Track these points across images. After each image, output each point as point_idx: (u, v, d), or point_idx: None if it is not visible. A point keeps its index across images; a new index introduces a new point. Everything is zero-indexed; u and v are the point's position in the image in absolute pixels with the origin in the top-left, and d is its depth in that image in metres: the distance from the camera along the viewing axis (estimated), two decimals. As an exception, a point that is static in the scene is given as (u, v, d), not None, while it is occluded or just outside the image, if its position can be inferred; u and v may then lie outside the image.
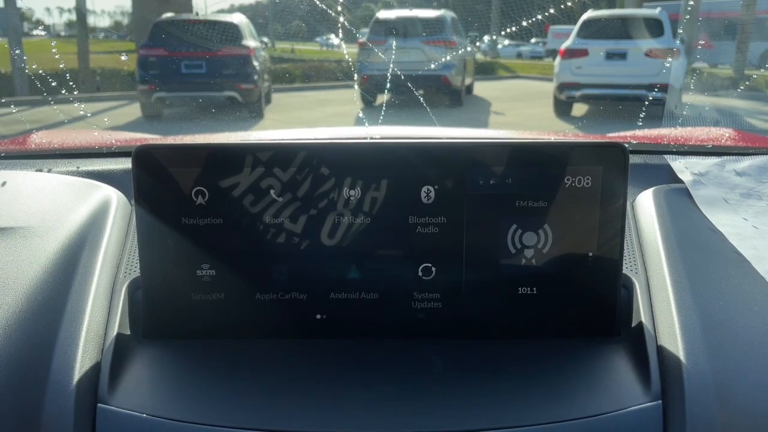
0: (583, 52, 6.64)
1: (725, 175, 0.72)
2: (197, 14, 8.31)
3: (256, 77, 6.57)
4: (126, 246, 0.58)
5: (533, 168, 0.50)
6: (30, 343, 0.46)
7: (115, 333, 0.49)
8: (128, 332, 0.50)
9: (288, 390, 0.46)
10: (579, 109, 6.91)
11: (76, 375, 0.44)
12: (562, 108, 6.79)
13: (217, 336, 0.51)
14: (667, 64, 6.22)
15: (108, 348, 0.47)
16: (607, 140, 0.51)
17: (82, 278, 0.51)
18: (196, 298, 0.51)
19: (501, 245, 0.50)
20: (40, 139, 0.97)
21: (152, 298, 0.51)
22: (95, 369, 0.45)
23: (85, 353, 0.46)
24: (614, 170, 0.49)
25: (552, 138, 0.90)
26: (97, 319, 0.49)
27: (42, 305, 0.49)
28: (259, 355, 0.49)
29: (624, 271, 0.53)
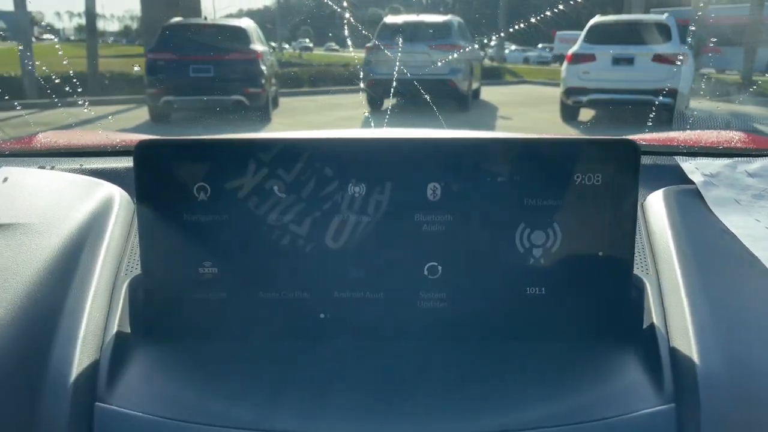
0: (591, 57, 6.63)
1: (737, 176, 0.71)
2: (206, 18, 8.36)
3: (263, 81, 6.60)
4: (128, 244, 0.58)
5: (542, 165, 0.49)
6: (28, 340, 0.45)
7: (114, 331, 0.48)
8: (128, 330, 0.50)
9: (288, 390, 0.45)
10: (586, 114, 6.89)
11: (74, 373, 0.43)
12: (569, 113, 6.78)
13: (219, 335, 0.50)
14: (675, 70, 6.20)
15: (107, 346, 0.46)
16: (618, 138, 0.49)
17: (82, 275, 0.51)
18: (198, 297, 0.50)
19: (509, 244, 0.49)
20: (44, 138, 0.97)
21: (153, 296, 0.50)
22: (93, 367, 0.45)
23: (83, 351, 0.45)
24: (625, 168, 0.48)
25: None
26: (96, 317, 0.48)
27: (41, 302, 0.48)
28: (260, 354, 0.49)
29: (635, 272, 0.52)
